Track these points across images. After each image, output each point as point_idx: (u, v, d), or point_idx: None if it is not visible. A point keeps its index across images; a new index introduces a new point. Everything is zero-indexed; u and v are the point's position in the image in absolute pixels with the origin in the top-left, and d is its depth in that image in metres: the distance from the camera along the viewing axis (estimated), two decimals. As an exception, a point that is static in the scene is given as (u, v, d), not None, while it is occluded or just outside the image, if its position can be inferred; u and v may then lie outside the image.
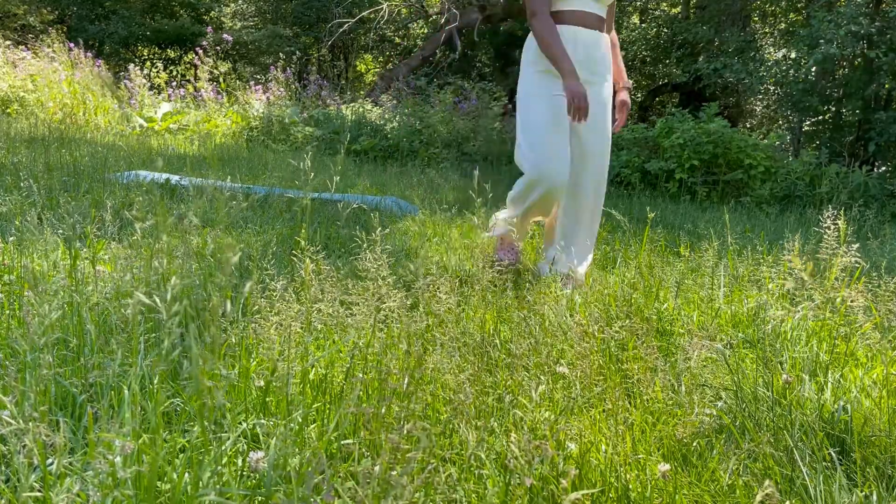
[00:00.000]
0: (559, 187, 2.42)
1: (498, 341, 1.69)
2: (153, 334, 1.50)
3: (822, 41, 6.23)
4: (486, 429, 1.23)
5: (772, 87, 7.31)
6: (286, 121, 7.56)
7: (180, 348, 1.24)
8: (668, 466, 1.10)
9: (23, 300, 1.58)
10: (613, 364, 1.63)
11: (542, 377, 1.45)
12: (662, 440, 1.30)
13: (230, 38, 9.65)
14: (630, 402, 1.45)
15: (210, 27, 11.08)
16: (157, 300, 0.83)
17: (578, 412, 1.39)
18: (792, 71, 6.96)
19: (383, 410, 1.05)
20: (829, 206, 5.34)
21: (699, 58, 8.11)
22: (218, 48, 9.25)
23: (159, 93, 8.81)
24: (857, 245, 1.49)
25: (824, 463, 1.25)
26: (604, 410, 1.38)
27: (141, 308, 0.88)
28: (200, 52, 8.78)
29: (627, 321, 1.81)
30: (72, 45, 8.07)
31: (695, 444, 1.30)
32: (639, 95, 10.81)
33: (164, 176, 3.83)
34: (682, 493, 1.14)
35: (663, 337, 1.94)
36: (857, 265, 1.61)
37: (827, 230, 1.73)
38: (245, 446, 1.19)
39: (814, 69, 6.45)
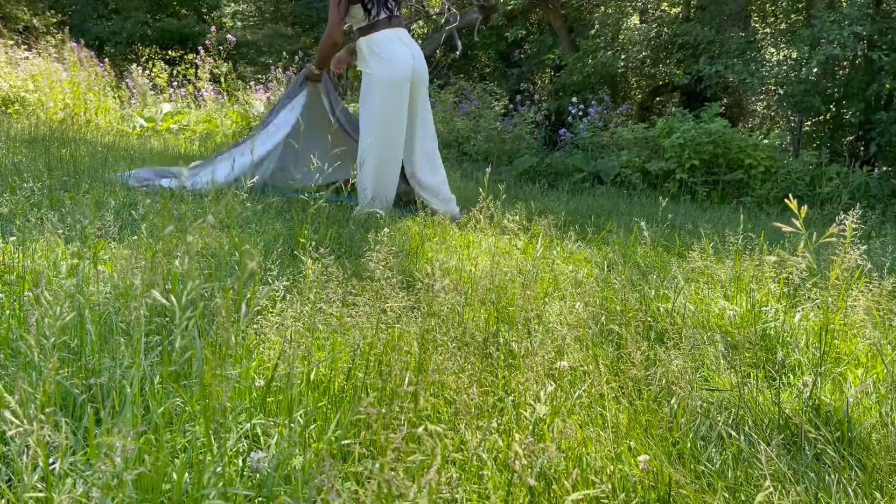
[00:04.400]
0: None
1: (501, 340, 1.69)
2: (156, 336, 1.50)
3: (823, 40, 6.21)
4: (488, 429, 1.23)
5: (773, 88, 7.28)
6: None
7: (191, 350, 1.24)
8: (646, 457, 1.11)
9: (25, 301, 1.58)
10: (611, 363, 1.63)
11: (545, 378, 1.45)
12: (659, 440, 1.30)
13: (234, 39, 9.64)
14: (628, 402, 1.44)
15: (214, 27, 11.10)
16: (174, 300, 0.83)
17: (578, 411, 1.39)
18: (794, 73, 6.93)
19: (384, 410, 1.05)
20: (846, 207, 5.33)
21: (700, 59, 8.09)
22: (221, 48, 9.25)
23: (160, 93, 8.81)
24: (865, 247, 1.49)
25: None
26: (602, 407, 1.38)
27: (145, 310, 0.89)
28: (202, 51, 8.78)
29: (631, 318, 1.81)
30: (73, 44, 8.07)
31: (689, 444, 1.30)
32: (639, 95, 10.81)
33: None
34: (679, 492, 1.14)
35: (660, 336, 1.94)
36: (859, 265, 1.61)
37: (842, 231, 1.72)
38: (246, 446, 1.19)
39: (815, 69, 6.42)
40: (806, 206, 1.51)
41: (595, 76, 8.92)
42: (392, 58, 3.55)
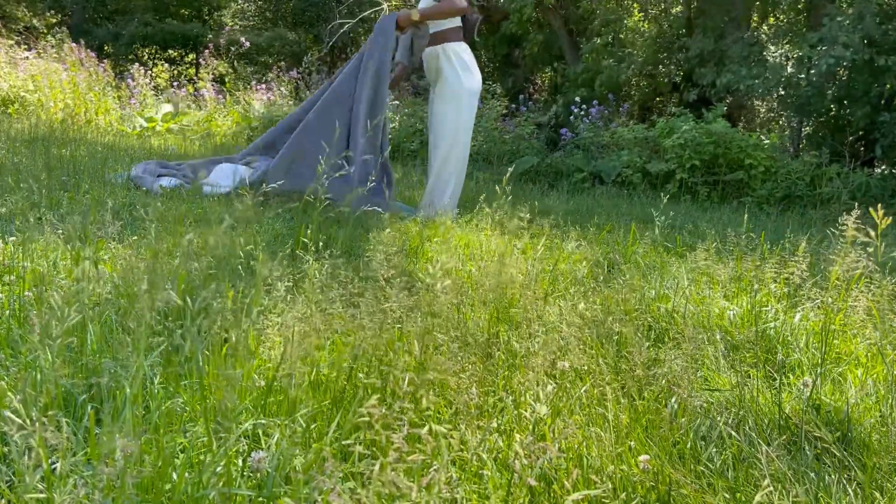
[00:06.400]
0: None
1: (502, 340, 1.69)
2: (156, 336, 1.50)
3: (827, 41, 6.15)
4: (488, 429, 1.23)
5: (778, 90, 7.22)
6: (287, 121, 7.56)
7: (192, 351, 1.24)
8: (647, 457, 1.12)
9: (25, 301, 1.58)
10: (611, 361, 1.63)
11: (546, 378, 1.45)
12: (659, 440, 1.30)
13: (247, 43, 9.65)
14: (628, 401, 1.45)
15: (226, 27, 11.13)
16: (189, 303, 0.83)
17: (578, 411, 1.39)
18: (798, 76, 6.86)
19: (385, 411, 1.05)
20: (846, 207, 5.32)
21: (705, 64, 8.05)
22: (232, 49, 9.29)
23: (161, 93, 8.81)
24: (871, 249, 1.49)
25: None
26: (603, 407, 1.38)
27: (155, 313, 0.89)
28: (207, 52, 8.80)
29: (628, 317, 1.81)
30: (73, 45, 8.07)
31: (689, 444, 1.30)
32: (638, 96, 10.79)
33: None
34: (679, 492, 1.14)
35: (661, 336, 1.94)
36: (858, 267, 1.61)
37: (843, 233, 1.72)
38: (246, 446, 1.19)
39: (823, 69, 6.33)
40: (869, 209, 1.50)
41: (599, 88, 8.88)
42: (472, 70, 3.70)
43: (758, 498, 0.95)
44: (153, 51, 13.43)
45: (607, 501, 1.13)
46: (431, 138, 3.89)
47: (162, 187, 3.55)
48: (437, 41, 3.72)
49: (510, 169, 2.67)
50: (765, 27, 9.94)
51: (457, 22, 3.67)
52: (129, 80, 8.34)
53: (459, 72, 3.66)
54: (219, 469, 0.99)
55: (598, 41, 9.16)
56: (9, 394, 0.86)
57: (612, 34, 9.48)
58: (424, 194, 3.90)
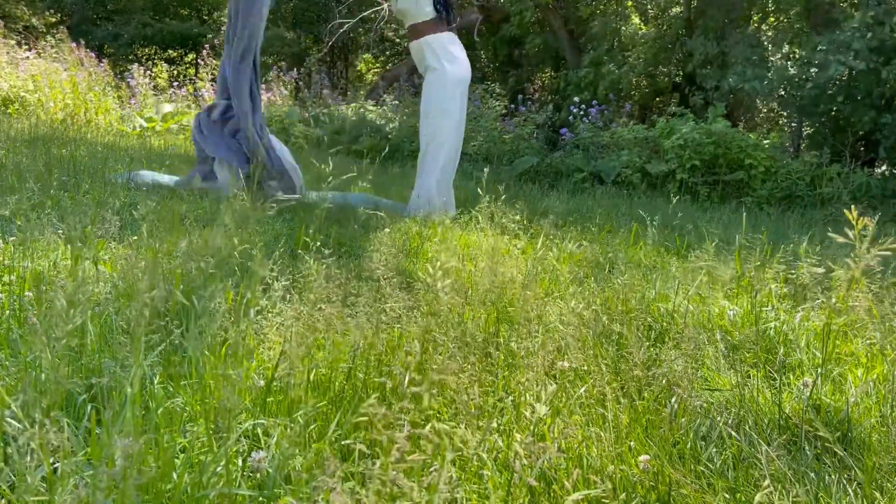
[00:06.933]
0: None
1: (501, 340, 1.69)
2: (155, 335, 1.50)
3: (831, 51, 6.11)
4: (488, 429, 1.23)
5: (781, 92, 7.18)
6: (286, 121, 7.57)
7: (191, 351, 1.23)
8: (647, 457, 1.12)
9: (25, 301, 1.58)
10: (610, 361, 1.63)
11: (546, 378, 1.45)
12: (659, 440, 1.30)
13: None
14: (627, 401, 1.44)
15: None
16: (195, 304, 0.83)
17: (578, 411, 1.39)
18: (801, 76, 6.82)
19: (385, 411, 1.04)
20: (847, 207, 5.26)
21: (707, 67, 8.02)
22: None
23: (161, 93, 8.81)
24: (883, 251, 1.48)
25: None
26: (603, 407, 1.38)
27: (145, 311, 0.89)
28: (205, 52, 8.79)
29: (628, 317, 1.81)
30: (73, 44, 8.06)
31: (689, 444, 1.30)
32: (637, 96, 10.78)
33: (166, 177, 3.83)
34: (679, 492, 1.14)
35: (661, 336, 1.94)
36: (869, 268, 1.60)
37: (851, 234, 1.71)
38: (246, 446, 1.19)
39: (831, 72, 6.29)
40: (863, 214, 1.48)
41: (602, 92, 8.87)
42: (458, 60, 3.74)
43: (758, 498, 0.95)
44: (153, 51, 13.43)
45: (607, 501, 1.13)
46: (420, 130, 3.94)
47: (160, 184, 3.55)
48: (416, 35, 3.76)
49: (485, 169, 2.68)
50: (765, 27, 9.93)
51: (428, 15, 3.67)
52: (130, 80, 8.33)
53: (444, 62, 3.70)
54: (219, 469, 0.99)
55: (597, 53, 9.15)
56: (15, 394, 0.86)
57: (614, 38, 9.48)
58: (414, 189, 3.92)
